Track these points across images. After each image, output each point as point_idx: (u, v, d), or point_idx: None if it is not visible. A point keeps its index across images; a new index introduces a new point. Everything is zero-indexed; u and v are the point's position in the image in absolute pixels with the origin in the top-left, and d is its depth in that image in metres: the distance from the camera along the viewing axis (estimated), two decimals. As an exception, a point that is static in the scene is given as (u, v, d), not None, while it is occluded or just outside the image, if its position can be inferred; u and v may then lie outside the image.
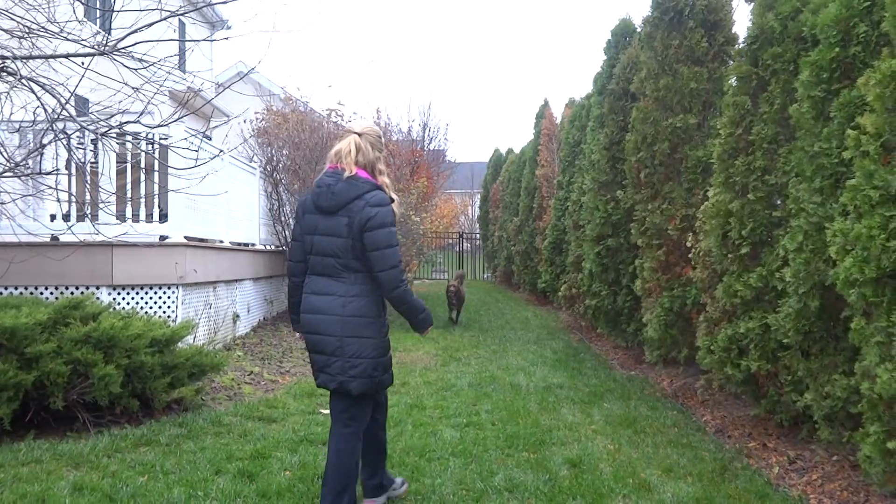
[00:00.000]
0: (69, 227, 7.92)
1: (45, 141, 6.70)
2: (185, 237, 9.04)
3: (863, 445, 4.47)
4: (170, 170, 8.21)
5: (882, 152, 4.30)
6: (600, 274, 11.07)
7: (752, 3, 6.83)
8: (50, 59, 6.31)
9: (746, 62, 6.80)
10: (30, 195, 8.35)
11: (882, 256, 4.16)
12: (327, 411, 7.34)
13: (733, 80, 7.03)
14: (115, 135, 7.49)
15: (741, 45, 7.13)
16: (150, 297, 8.71)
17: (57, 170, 8.15)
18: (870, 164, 4.31)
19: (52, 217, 8.57)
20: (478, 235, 35.32)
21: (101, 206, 8.18)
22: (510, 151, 28.39)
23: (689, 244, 7.96)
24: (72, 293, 8.21)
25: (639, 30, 10.19)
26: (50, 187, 7.85)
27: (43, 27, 6.10)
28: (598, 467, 5.82)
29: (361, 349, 4.45)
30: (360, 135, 4.59)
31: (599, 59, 12.46)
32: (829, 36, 5.30)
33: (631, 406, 7.95)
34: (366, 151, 4.56)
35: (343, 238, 4.40)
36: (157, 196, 8.99)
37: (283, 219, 13.84)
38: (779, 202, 6.42)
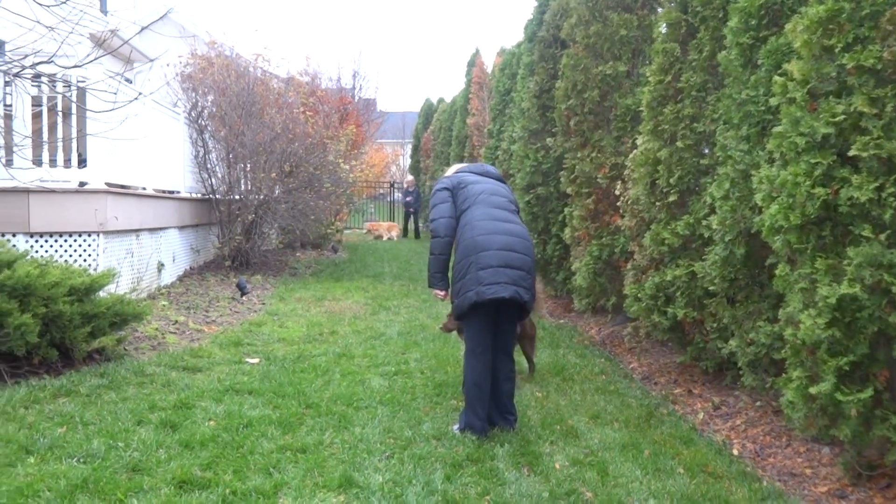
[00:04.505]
0: (-19, 172, 7.64)
1: (-47, 82, 6.41)
2: (106, 183, 8.75)
3: (786, 391, 4.54)
4: (88, 113, 7.94)
5: (808, 99, 4.31)
6: (530, 223, 11.08)
7: (683, -50, 6.79)
8: (-44, -5, 6.02)
9: (676, 9, 6.77)
10: (-61, 139, 8.00)
11: (807, 203, 4.18)
12: (254, 360, 7.27)
13: (663, 28, 7.01)
14: (29, 76, 7.20)
15: (671, -8, 7.11)
16: (70, 245, 8.44)
17: (-33, 113, 7.84)
18: (796, 111, 4.32)
19: (-36, 162, 8.22)
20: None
21: (15, 150, 7.89)
22: (441, 101, 28.22)
23: (617, 192, 7.99)
24: (-14, 240, 7.91)
25: (570, -24, 10.08)
26: (-40, 131, 7.53)
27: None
28: (527, 414, 5.85)
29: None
30: None
31: (531, 7, 12.34)
32: (759, -18, 5.29)
33: (559, 354, 8.00)
34: None
35: (509, 196, 5.73)
36: (75, 140, 8.67)
37: (209, 166, 13.46)
38: (707, 150, 6.46)
